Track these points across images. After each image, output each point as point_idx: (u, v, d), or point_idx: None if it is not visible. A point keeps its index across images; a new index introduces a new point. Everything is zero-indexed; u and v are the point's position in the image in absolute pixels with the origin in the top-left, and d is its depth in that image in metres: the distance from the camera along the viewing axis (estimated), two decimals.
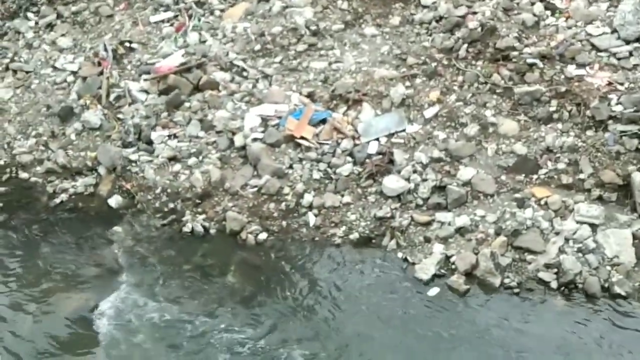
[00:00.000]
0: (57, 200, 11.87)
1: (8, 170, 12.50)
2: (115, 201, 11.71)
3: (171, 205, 11.46)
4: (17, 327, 9.86)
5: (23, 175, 12.38)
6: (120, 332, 9.72)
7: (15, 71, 13.84)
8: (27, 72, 13.81)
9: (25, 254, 11.06)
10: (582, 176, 10.76)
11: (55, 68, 13.70)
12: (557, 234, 10.13)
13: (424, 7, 13.41)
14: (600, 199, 10.49)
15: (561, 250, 9.97)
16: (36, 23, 14.76)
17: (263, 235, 10.92)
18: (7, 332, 9.78)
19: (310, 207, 11.13)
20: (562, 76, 11.74)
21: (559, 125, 11.32)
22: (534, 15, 12.73)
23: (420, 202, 10.90)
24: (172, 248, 11.02)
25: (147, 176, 11.78)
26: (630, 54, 11.88)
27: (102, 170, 12.06)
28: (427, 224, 10.68)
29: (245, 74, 12.91)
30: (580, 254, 9.91)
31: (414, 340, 9.35)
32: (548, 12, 12.82)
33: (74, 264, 10.83)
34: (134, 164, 11.97)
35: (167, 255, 10.92)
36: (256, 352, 9.34)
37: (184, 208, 11.41)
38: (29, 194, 12.11)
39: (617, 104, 11.16)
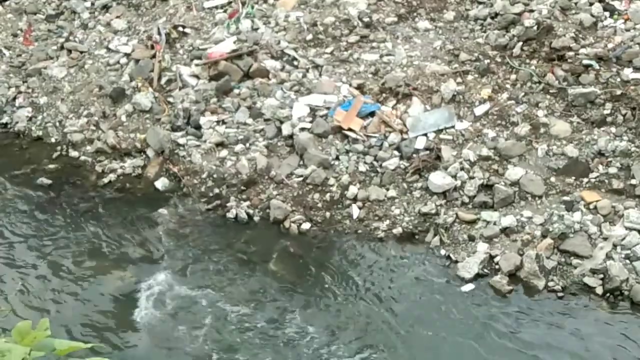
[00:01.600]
0: (105, 180, 12.01)
1: (59, 148, 12.69)
2: (161, 184, 11.82)
3: (216, 190, 11.52)
4: (61, 300, 10.03)
5: (73, 153, 12.56)
6: (160, 314, 9.82)
7: (69, 50, 14.01)
8: (81, 52, 13.96)
9: (72, 231, 11.23)
10: (633, 182, 10.54)
11: (109, 49, 13.84)
12: (605, 239, 9.95)
13: (480, 3, 13.26)
14: None
15: (608, 256, 9.78)
16: (92, 4, 14.92)
17: (306, 225, 10.92)
18: (52, 304, 9.95)
19: (354, 199, 11.09)
20: (618, 79, 11.51)
21: (612, 129, 11.10)
22: (592, 15, 12.47)
23: (466, 200, 10.79)
24: (215, 233, 11.08)
25: (194, 160, 11.86)
26: None
27: (150, 152, 12.17)
28: (472, 222, 10.57)
29: (295, 63, 12.90)
30: (627, 261, 9.72)
31: (454, 338, 9.26)
32: (607, 14, 12.54)
33: (119, 243, 10.97)
34: (181, 148, 12.05)
35: (210, 240, 10.98)
36: (295, 342, 9.35)
37: (228, 194, 11.45)
38: (78, 172, 12.28)
39: None
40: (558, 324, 9.33)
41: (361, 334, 9.39)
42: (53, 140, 12.85)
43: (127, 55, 13.61)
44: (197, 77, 12.92)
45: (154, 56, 13.23)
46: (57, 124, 13.00)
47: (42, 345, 3.05)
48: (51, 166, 12.43)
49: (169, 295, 10.05)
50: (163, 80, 12.97)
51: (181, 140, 12.11)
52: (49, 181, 12.10)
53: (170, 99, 12.70)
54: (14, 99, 13.50)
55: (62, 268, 10.54)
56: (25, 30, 14.52)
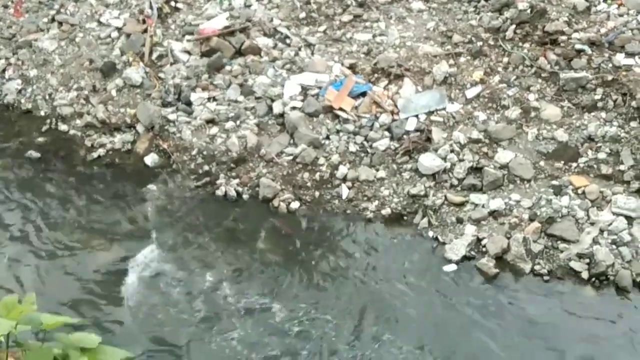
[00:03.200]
0: (95, 155, 11.96)
1: (48, 121, 12.61)
2: (151, 159, 11.78)
3: (206, 167, 11.50)
4: (48, 274, 10.00)
5: (62, 127, 12.49)
6: (147, 289, 9.81)
7: (60, 23, 13.87)
8: (72, 25, 13.83)
9: (60, 204, 11.19)
10: (622, 167, 10.60)
11: (100, 23, 13.72)
12: (592, 224, 10.00)
13: None
14: (639, 192, 10.32)
15: (595, 241, 9.84)
16: None
17: (295, 204, 10.93)
18: (38, 278, 9.92)
19: (344, 179, 11.10)
20: (610, 64, 11.53)
21: (603, 114, 11.14)
22: (586, 0, 12.48)
23: (455, 182, 10.81)
24: (204, 210, 11.06)
25: (184, 137, 11.82)
26: None
27: (140, 128, 12.11)
28: (461, 204, 10.61)
29: (288, 41, 12.86)
30: (614, 246, 9.78)
31: (439, 318, 9.32)
32: None
33: (107, 218, 10.94)
34: (171, 124, 12.00)
35: (198, 217, 10.97)
36: (280, 319, 9.37)
37: (218, 171, 11.44)
38: (68, 146, 12.22)
39: None
40: (543, 307, 9.39)
41: (346, 312, 9.41)
42: (42, 113, 12.78)
43: (118, 29, 13.50)
44: (188, 53, 12.86)
45: (145, 31, 13.14)
46: (47, 97, 12.92)
47: (29, 319, 3.06)
48: (40, 139, 12.36)
49: (156, 271, 10.04)
50: (154, 56, 12.89)
51: (171, 116, 12.06)
52: (38, 154, 12.04)
53: (161, 75, 12.64)
54: (4, 71, 13.39)
55: (49, 242, 10.51)
56: (16, 1, 14.36)
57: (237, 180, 11.30)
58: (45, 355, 2.95)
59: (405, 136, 11.29)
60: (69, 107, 12.65)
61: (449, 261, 9.98)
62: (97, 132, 12.27)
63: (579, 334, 9.06)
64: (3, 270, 10.03)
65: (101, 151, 12.00)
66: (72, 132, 12.40)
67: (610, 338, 9.03)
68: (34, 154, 12.04)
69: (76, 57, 13.30)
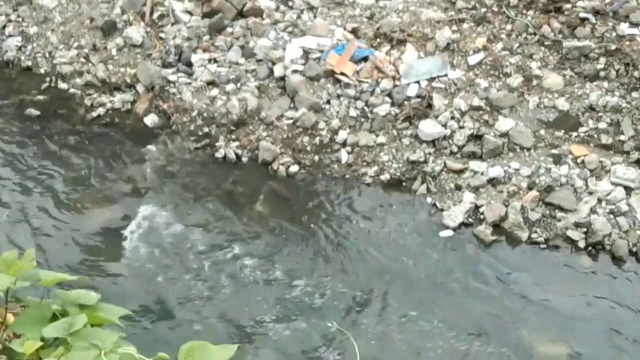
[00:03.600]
0: (94, 114, 11.93)
1: (48, 79, 12.56)
2: (151, 120, 11.75)
3: (206, 129, 11.48)
4: (46, 232, 10.04)
5: (62, 85, 12.44)
6: (145, 249, 9.86)
7: None
8: None
9: (59, 163, 11.19)
10: (622, 138, 10.58)
11: None
12: (590, 193, 10.02)
13: None
14: (638, 162, 10.31)
15: (593, 211, 9.86)
16: None
17: (294, 168, 10.93)
18: (37, 236, 9.96)
19: (344, 144, 11.09)
20: (614, 34, 11.44)
21: (605, 84, 11.08)
22: None
23: (455, 149, 10.80)
24: (203, 172, 11.07)
25: (184, 98, 11.78)
26: None
27: (140, 88, 12.06)
28: (460, 171, 10.61)
29: (290, 3, 12.74)
30: (611, 216, 9.80)
31: (435, 283, 9.40)
32: None
33: (106, 177, 10.95)
34: (172, 85, 11.95)
35: (197, 179, 10.98)
36: (276, 282, 9.44)
37: (218, 133, 11.42)
38: (67, 104, 12.18)
39: None
40: (539, 274, 9.46)
41: (342, 276, 9.47)
42: (42, 71, 12.72)
43: None
44: (190, 13, 12.76)
45: None
46: (47, 54, 12.85)
47: (28, 275, 3.07)
48: (40, 97, 12.32)
49: (154, 231, 10.08)
50: (155, 15, 12.79)
51: (172, 77, 12.00)
52: (37, 112, 12.01)
53: (162, 35, 12.55)
54: (4, 27, 13.30)
55: (48, 200, 10.54)
56: None
57: (236, 143, 11.28)
58: (44, 311, 2.97)
59: (406, 102, 11.24)
60: (69, 65, 12.59)
61: (447, 227, 10.01)
62: (97, 91, 12.22)
63: (574, 301, 9.12)
64: (0, 227, 10.05)
65: (101, 110, 11.97)
66: (71, 90, 12.36)
67: (603, 303, 9.09)
68: (33, 111, 12.01)
69: (77, 15, 13.20)
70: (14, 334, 3.04)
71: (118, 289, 9.24)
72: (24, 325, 2.93)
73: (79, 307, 3.00)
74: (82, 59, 12.62)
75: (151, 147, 11.39)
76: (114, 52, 12.55)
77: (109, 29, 12.78)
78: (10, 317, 3.11)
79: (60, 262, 9.45)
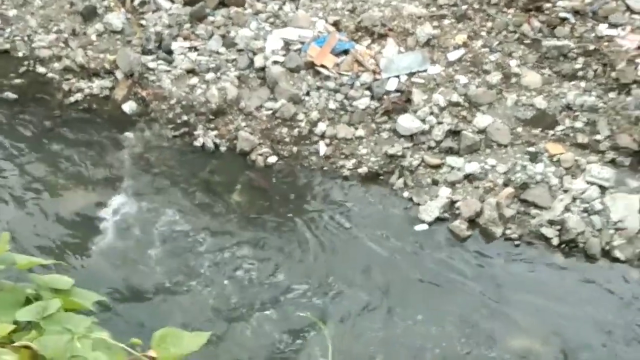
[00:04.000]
0: (72, 99, 11.84)
1: (26, 63, 12.44)
2: (129, 107, 11.69)
3: (184, 117, 11.44)
4: (19, 217, 9.98)
5: (40, 69, 12.33)
6: (119, 236, 9.84)
7: None
8: None
9: (35, 148, 11.11)
10: (598, 137, 10.68)
11: None
12: (565, 191, 10.12)
13: None
14: (613, 162, 10.43)
15: (567, 209, 9.96)
16: None
17: (273, 159, 10.93)
18: (11, 221, 9.90)
19: (322, 136, 11.11)
20: (593, 34, 11.53)
21: (582, 84, 11.18)
22: None
23: (432, 144, 10.85)
24: (180, 160, 11.04)
25: (163, 86, 11.73)
26: None
27: (119, 74, 11.99)
28: (437, 167, 10.67)
29: None
30: (585, 214, 9.90)
31: (408, 276, 9.45)
32: None
33: (82, 163, 10.89)
34: (151, 72, 11.89)
35: (175, 167, 10.95)
36: (250, 271, 9.45)
37: (196, 122, 11.39)
38: (45, 89, 12.08)
39: None
40: (512, 269, 9.55)
41: (315, 267, 9.52)
42: (20, 54, 12.59)
43: None
44: (171, 1, 12.70)
45: None
46: (26, 38, 12.72)
47: (2, 259, 3.06)
48: (17, 81, 12.20)
49: (129, 218, 10.06)
50: (136, 2, 12.72)
51: (151, 65, 11.94)
52: (15, 96, 11.90)
53: (143, 22, 12.48)
54: None
55: (23, 185, 10.46)
56: None
57: (215, 132, 11.26)
58: (18, 294, 2.96)
59: (385, 96, 11.28)
60: (48, 49, 12.48)
61: (422, 222, 10.07)
62: (76, 76, 12.13)
63: (546, 298, 9.22)
64: None
65: (79, 96, 11.88)
66: (50, 75, 12.26)
67: (576, 303, 9.20)
68: (10, 95, 11.91)
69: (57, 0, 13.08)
70: None
71: (91, 274, 9.21)
72: None
73: (53, 291, 2.99)
74: (61, 44, 12.52)
75: (129, 134, 11.34)
76: (93, 37, 12.46)
77: (89, 14, 12.69)
78: None
79: (34, 247, 9.40)
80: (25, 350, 2.63)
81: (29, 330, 2.77)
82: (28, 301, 2.93)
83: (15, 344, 2.67)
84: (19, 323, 2.81)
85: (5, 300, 2.93)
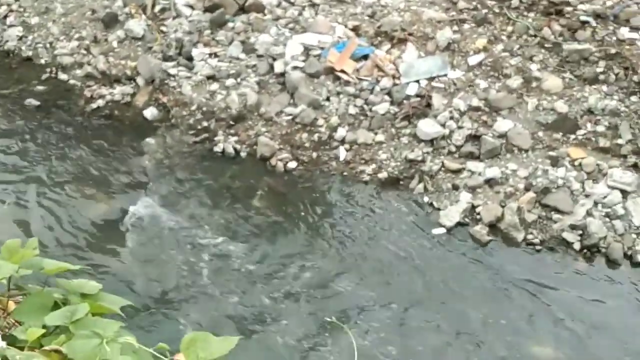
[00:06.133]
0: (94, 106, 11.95)
1: (48, 70, 12.57)
2: (150, 113, 11.77)
3: (205, 123, 11.50)
4: (45, 223, 10.06)
5: (62, 76, 12.45)
6: (143, 241, 9.90)
7: None
8: None
9: (58, 154, 11.21)
10: (620, 141, 10.61)
11: None
12: (587, 196, 10.05)
13: None
14: (635, 166, 10.35)
15: (589, 213, 9.89)
16: None
17: (293, 164, 10.96)
18: (37, 226, 9.98)
19: (342, 141, 11.12)
20: (614, 38, 11.47)
21: (604, 88, 11.12)
22: None
23: (453, 149, 10.83)
24: (201, 166, 11.10)
25: (184, 92, 11.80)
26: None
27: (140, 80, 12.08)
28: (457, 171, 10.64)
29: (292, 0, 12.76)
30: (607, 219, 9.84)
31: (431, 280, 9.43)
32: None
33: (105, 169, 10.97)
34: (172, 79, 11.97)
35: (195, 172, 11.01)
36: (272, 276, 9.47)
37: (217, 128, 11.44)
38: (67, 96, 12.20)
39: None
40: (534, 274, 9.48)
41: (337, 272, 9.51)
42: (43, 61, 12.73)
43: None
44: (191, 7, 12.77)
45: None
46: (48, 45, 12.85)
47: (30, 263, 3.09)
48: (40, 88, 12.34)
49: (152, 223, 10.11)
50: (157, 8, 12.81)
51: (172, 71, 12.02)
52: (37, 102, 12.03)
53: (163, 28, 12.57)
54: (5, 17, 13.31)
55: (47, 191, 10.55)
56: None
57: (235, 138, 11.31)
58: (46, 299, 2.98)
59: (405, 101, 11.27)
60: (70, 56, 12.60)
61: (442, 226, 10.05)
62: (97, 83, 12.24)
63: (568, 304, 9.16)
64: (1, 217, 10.07)
65: (100, 102, 11.98)
66: (71, 81, 12.38)
67: (598, 309, 9.13)
68: (33, 102, 12.03)
69: (78, 7, 13.21)
70: (15, 321, 3.05)
71: (117, 280, 9.26)
72: (26, 312, 2.94)
73: (81, 296, 3.01)
74: (83, 51, 12.63)
75: (150, 140, 11.41)
76: (114, 44, 12.56)
77: (110, 21, 12.79)
78: (11, 305, 3.13)
79: (59, 252, 9.47)
80: (55, 354, 2.66)
81: (58, 334, 2.79)
82: (56, 306, 2.95)
83: (45, 348, 2.70)
84: (48, 327, 2.83)
85: (34, 305, 2.96)
